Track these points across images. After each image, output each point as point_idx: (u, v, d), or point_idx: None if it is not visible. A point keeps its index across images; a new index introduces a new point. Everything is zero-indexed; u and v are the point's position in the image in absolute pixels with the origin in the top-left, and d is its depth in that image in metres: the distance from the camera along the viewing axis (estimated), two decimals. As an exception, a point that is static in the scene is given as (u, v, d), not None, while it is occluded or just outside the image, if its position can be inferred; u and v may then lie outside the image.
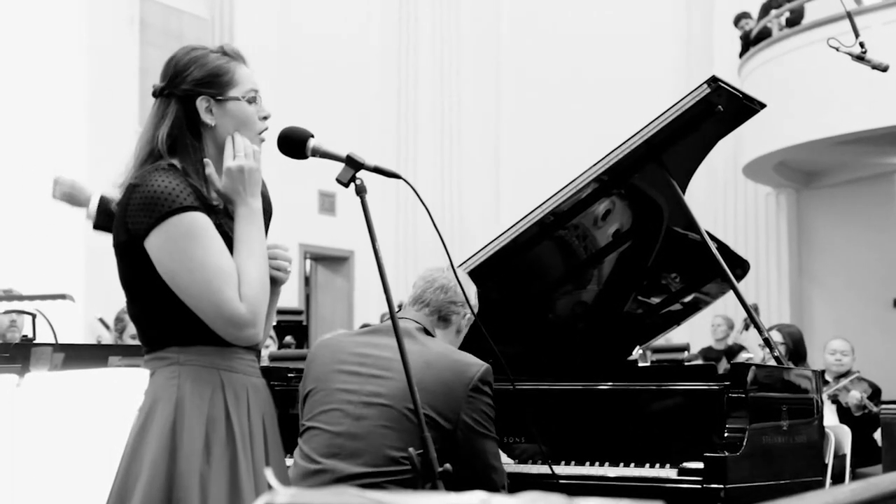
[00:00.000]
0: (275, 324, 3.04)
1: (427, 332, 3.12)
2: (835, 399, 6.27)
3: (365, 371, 3.05)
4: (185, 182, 2.31)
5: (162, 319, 2.32)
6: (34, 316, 4.14)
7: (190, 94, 2.37)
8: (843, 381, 6.32)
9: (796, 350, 5.89)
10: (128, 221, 2.30)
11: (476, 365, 3.04)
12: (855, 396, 6.19)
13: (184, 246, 2.26)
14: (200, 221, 2.29)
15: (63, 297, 4.53)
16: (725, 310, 9.45)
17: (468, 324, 3.25)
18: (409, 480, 2.91)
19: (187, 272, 2.26)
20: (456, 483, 2.29)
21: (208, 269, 2.26)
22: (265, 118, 2.45)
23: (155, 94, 2.42)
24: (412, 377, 2.93)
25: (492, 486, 3.06)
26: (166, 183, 2.28)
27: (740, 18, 11.70)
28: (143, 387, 2.36)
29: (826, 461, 3.95)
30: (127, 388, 2.77)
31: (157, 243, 2.27)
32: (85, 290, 8.60)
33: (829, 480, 4.05)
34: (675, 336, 8.28)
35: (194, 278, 2.26)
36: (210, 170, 2.37)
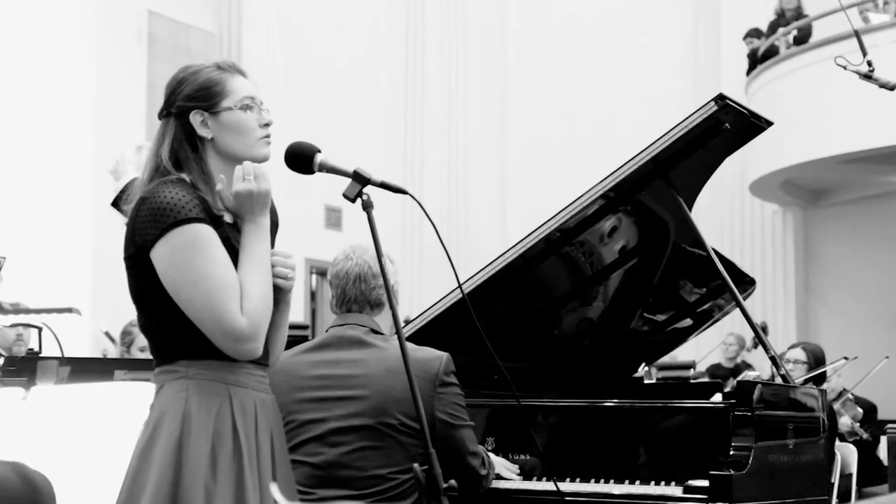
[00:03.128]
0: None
1: (375, 332, 3.04)
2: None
3: (328, 394, 2.98)
4: (193, 194, 2.33)
5: (171, 332, 2.33)
6: (40, 329, 4.14)
7: (184, 110, 2.41)
8: (835, 405, 6.26)
9: (817, 368, 5.86)
10: (136, 233, 2.32)
11: (436, 359, 3.00)
12: (845, 424, 6.13)
13: (188, 257, 2.27)
14: (205, 233, 2.29)
15: (69, 310, 4.54)
16: (733, 327, 9.43)
17: (396, 291, 3.10)
18: (401, 494, 2.89)
19: (190, 283, 2.27)
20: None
21: (211, 281, 2.27)
22: (266, 125, 2.46)
23: (159, 116, 2.47)
24: (381, 390, 2.91)
25: (472, 471, 3.06)
26: (172, 194, 2.30)
27: (749, 35, 11.71)
28: (148, 401, 2.35)
29: (833, 480, 3.93)
30: (132, 402, 2.77)
31: (162, 254, 2.28)
32: (91, 304, 8.61)
33: (835, 499, 4.03)
34: (682, 353, 8.26)
35: (197, 290, 2.26)
36: (220, 186, 2.38)
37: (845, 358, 6.28)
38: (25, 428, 2.88)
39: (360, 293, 3.07)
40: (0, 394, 2.99)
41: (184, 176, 2.37)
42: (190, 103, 2.40)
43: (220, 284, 2.27)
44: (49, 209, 9.14)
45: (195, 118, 2.40)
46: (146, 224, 2.29)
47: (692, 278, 4.09)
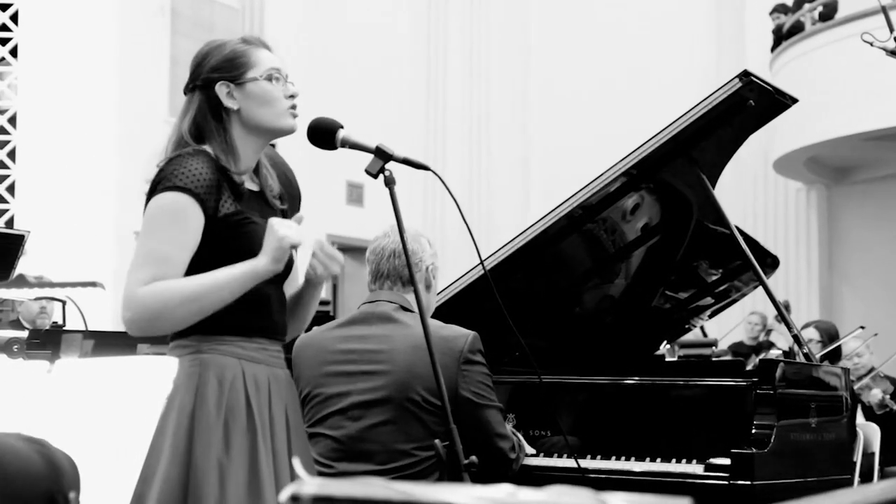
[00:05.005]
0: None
1: (405, 308, 3.05)
2: (857, 398, 6.22)
3: (354, 369, 2.99)
4: (210, 166, 2.32)
5: None
6: (64, 303, 4.17)
7: (209, 82, 2.40)
8: (865, 380, 6.26)
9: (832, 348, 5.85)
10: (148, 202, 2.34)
11: (462, 337, 2.99)
12: (876, 395, 6.12)
13: (156, 216, 2.29)
14: (184, 205, 2.28)
15: (93, 284, 4.55)
16: (755, 306, 9.39)
17: (434, 273, 3.14)
18: (423, 472, 2.90)
19: (141, 238, 2.29)
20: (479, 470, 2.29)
21: (150, 244, 2.27)
22: (292, 96, 2.46)
23: (184, 91, 2.47)
24: (405, 366, 2.91)
25: (500, 454, 3.05)
26: (184, 164, 2.30)
27: (775, 10, 11.61)
28: (171, 375, 2.36)
29: (855, 459, 3.92)
30: (156, 376, 2.79)
31: (148, 209, 2.31)
32: (114, 278, 8.65)
33: (857, 479, 4.02)
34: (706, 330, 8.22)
35: (139, 246, 2.29)
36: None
37: (861, 327, 6.26)
38: (50, 401, 2.90)
39: (393, 268, 3.07)
40: (25, 366, 3.01)
41: (205, 147, 2.37)
42: (215, 74, 2.40)
43: (153, 251, 2.26)
44: (73, 184, 9.18)
45: (221, 89, 2.40)
46: (153, 187, 2.32)
47: (715, 257, 4.07)
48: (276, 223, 2.29)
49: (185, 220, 2.28)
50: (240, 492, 2.23)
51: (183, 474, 2.22)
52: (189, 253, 2.28)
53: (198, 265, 2.30)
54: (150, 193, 2.31)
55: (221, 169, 2.34)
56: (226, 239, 2.32)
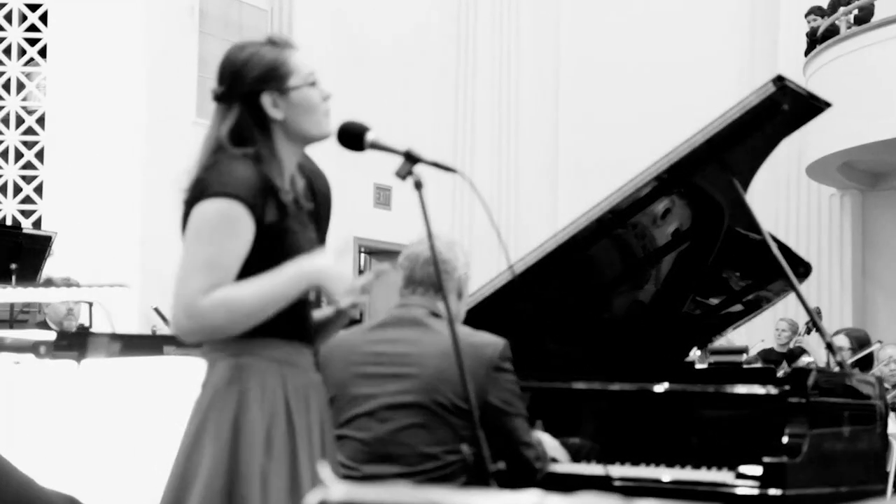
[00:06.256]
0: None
1: (435, 315, 3.03)
2: (893, 407, 6.15)
3: (383, 371, 2.98)
4: (252, 171, 2.29)
5: None
6: (91, 304, 4.18)
7: (253, 93, 2.35)
8: None
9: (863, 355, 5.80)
10: (189, 205, 2.30)
11: (492, 344, 2.98)
12: None
13: (205, 225, 2.24)
14: (236, 214, 2.24)
15: (120, 286, 4.57)
16: (786, 313, 9.31)
17: (466, 281, 3.14)
18: (449, 475, 2.88)
19: (189, 245, 2.25)
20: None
21: (203, 253, 2.22)
22: (327, 98, 2.43)
23: (216, 98, 2.40)
24: (434, 370, 2.89)
25: (525, 461, 3.03)
26: (228, 168, 2.27)
27: (811, 12, 11.52)
28: (199, 376, 2.34)
29: (888, 470, 3.87)
30: (184, 376, 2.78)
31: (193, 216, 2.26)
32: (140, 280, 8.69)
33: (890, 489, 3.97)
34: (735, 338, 8.15)
35: (188, 254, 2.24)
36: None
37: (879, 342, 6.22)
38: (77, 400, 2.90)
39: (427, 275, 3.06)
40: (52, 367, 3.01)
41: (248, 151, 2.32)
42: (260, 85, 2.35)
43: (209, 258, 2.21)
44: (100, 185, 9.23)
45: (266, 100, 2.35)
46: (198, 192, 2.27)
47: (747, 263, 4.03)
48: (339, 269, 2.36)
49: (238, 228, 2.24)
50: (281, 498, 2.22)
51: (226, 481, 2.20)
52: (241, 261, 2.25)
53: (240, 271, 2.27)
54: (195, 199, 2.27)
55: (264, 177, 2.31)
56: (267, 248, 2.29)
